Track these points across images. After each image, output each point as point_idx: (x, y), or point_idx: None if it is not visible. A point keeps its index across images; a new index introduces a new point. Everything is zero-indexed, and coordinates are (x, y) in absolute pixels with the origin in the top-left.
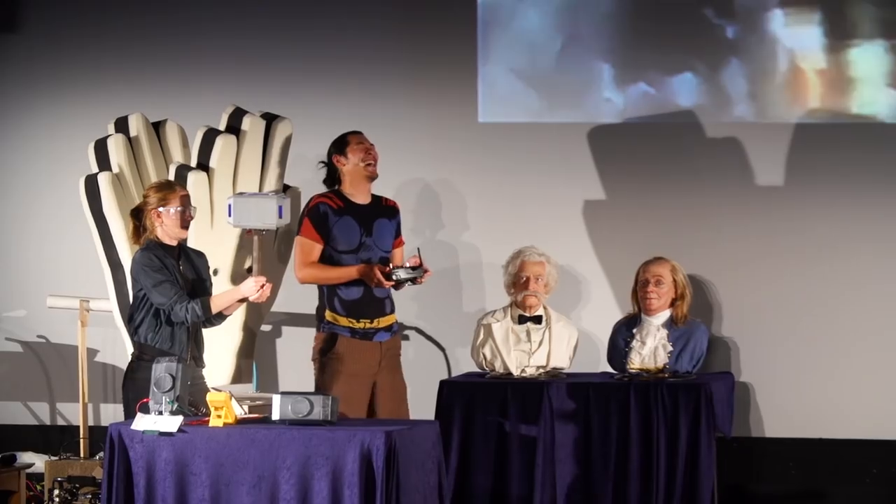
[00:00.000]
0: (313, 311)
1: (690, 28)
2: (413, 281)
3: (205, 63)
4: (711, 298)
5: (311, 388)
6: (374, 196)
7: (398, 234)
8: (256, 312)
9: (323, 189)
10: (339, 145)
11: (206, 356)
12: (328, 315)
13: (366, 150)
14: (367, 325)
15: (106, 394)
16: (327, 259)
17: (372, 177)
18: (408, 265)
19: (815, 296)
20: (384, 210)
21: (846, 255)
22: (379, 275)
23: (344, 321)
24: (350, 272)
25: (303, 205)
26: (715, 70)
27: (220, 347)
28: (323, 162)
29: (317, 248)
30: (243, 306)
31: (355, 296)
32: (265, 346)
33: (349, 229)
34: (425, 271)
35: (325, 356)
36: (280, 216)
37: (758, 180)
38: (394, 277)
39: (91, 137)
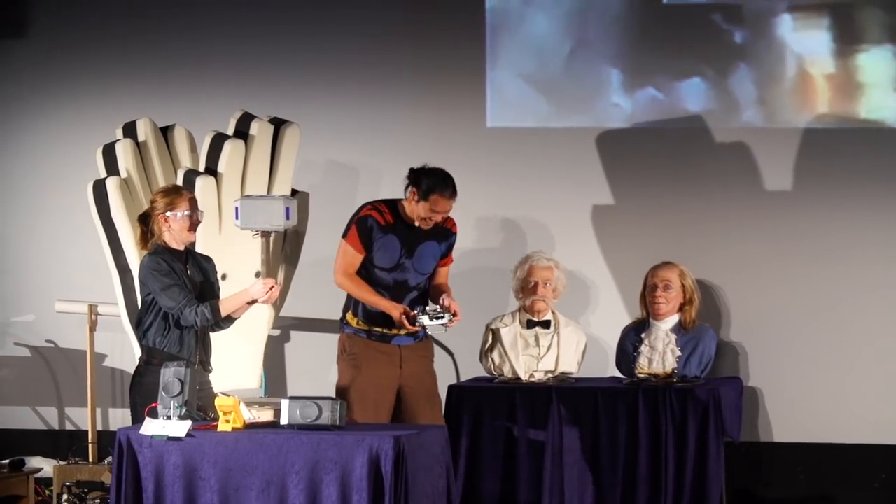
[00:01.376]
0: (322, 316)
1: (699, 33)
2: (441, 327)
3: (213, 68)
4: (720, 303)
5: (320, 393)
6: None
7: (448, 253)
8: (265, 317)
9: (330, 193)
10: (425, 190)
11: (213, 360)
12: (348, 316)
13: (430, 216)
14: (384, 331)
15: (114, 398)
16: (363, 269)
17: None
18: (438, 307)
19: (824, 300)
20: (436, 232)
21: (855, 260)
22: (404, 320)
23: (360, 324)
24: (380, 304)
25: (314, 208)
26: (723, 75)
27: (229, 352)
28: (413, 172)
29: (358, 259)
30: (251, 310)
31: (378, 310)
32: (274, 351)
33: (390, 248)
34: (454, 315)
35: (343, 357)
36: (287, 218)
37: (766, 185)
38: (417, 324)
39: (99, 142)
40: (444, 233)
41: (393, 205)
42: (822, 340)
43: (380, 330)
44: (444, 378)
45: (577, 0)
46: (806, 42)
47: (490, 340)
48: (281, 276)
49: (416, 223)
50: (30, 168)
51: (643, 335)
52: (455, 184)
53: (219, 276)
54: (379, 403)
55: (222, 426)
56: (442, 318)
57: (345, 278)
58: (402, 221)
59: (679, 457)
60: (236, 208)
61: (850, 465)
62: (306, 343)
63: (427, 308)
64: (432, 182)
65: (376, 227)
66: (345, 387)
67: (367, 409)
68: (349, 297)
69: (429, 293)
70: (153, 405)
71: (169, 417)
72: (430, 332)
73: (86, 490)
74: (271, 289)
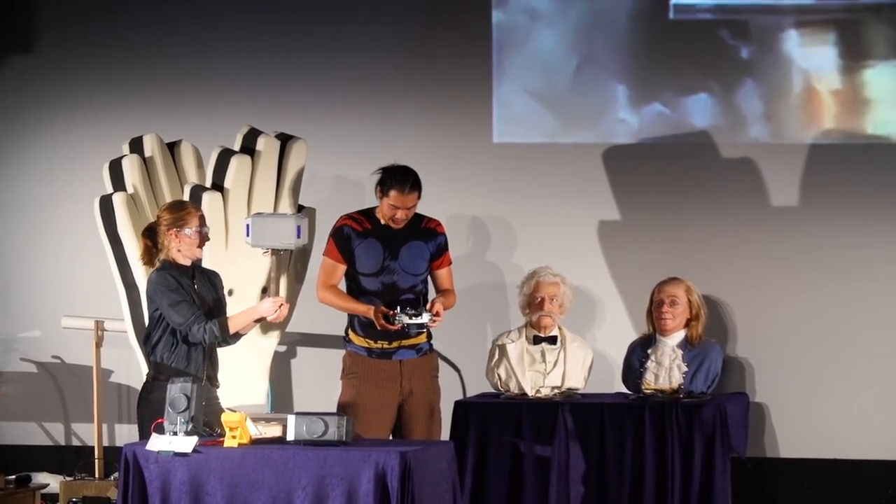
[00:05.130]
0: (328, 332)
1: (705, 49)
2: (421, 326)
3: (219, 83)
4: (726, 319)
5: (326, 409)
6: (413, 216)
7: (440, 255)
8: (271, 332)
9: (337, 209)
10: (384, 186)
11: (220, 376)
12: (350, 333)
13: (393, 213)
14: (385, 346)
15: (121, 414)
16: (351, 279)
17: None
18: (424, 308)
19: (830, 316)
20: (420, 232)
21: (861, 276)
22: (381, 319)
23: (361, 340)
24: (357, 308)
25: (320, 224)
26: (730, 91)
27: (235, 368)
28: (380, 171)
29: (339, 269)
30: (258, 326)
31: (367, 318)
32: (280, 367)
33: (372, 252)
34: (436, 314)
35: (344, 375)
36: (298, 236)
37: (773, 201)
38: (396, 321)
39: (106, 158)
40: (429, 233)
41: (368, 212)
42: (828, 356)
43: (380, 346)
44: (451, 394)
45: (583, 16)
46: (812, 58)
47: (496, 356)
48: (289, 292)
49: (384, 222)
50: (36, 183)
51: (649, 351)
52: (417, 179)
53: (225, 292)
54: (378, 422)
55: (228, 442)
56: (420, 315)
57: (325, 292)
58: (380, 225)
59: (685, 472)
60: (247, 226)
61: (856, 480)
62: (312, 359)
63: (407, 308)
64: (391, 178)
65: (353, 234)
66: (345, 405)
67: (366, 428)
68: (349, 314)
69: (426, 298)
70: (159, 421)
71: (175, 433)
72: (413, 331)
73: None
74: (280, 307)
